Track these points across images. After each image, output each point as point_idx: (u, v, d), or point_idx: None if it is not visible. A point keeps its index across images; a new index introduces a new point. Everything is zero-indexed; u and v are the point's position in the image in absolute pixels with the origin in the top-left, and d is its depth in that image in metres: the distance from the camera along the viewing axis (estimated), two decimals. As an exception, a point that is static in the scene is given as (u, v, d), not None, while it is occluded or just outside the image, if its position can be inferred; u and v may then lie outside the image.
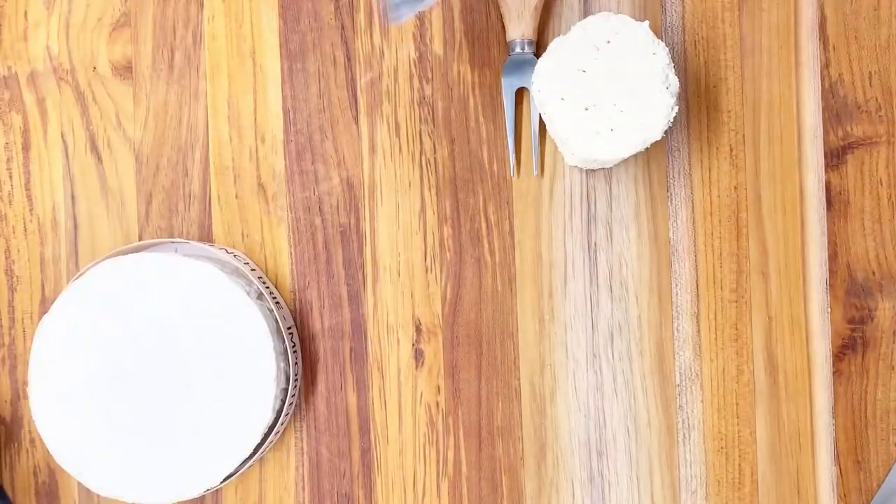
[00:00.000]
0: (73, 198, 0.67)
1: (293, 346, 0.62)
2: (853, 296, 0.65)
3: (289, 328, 0.63)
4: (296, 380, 0.63)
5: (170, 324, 0.59)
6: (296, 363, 0.62)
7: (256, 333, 0.59)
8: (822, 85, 0.65)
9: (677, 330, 0.65)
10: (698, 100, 0.65)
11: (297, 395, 0.64)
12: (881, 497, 0.65)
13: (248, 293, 0.60)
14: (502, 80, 0.64)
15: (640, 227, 0.65)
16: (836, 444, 0.65)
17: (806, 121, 0.65)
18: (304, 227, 0.66)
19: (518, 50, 0.64)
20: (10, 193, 0.67)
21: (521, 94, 0.65)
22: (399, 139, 0.66)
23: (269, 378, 0.59)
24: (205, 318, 0.59)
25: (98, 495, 0.66)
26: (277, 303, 0.62)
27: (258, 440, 0.59)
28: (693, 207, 0.65)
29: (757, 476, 0.65)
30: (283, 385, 0.60)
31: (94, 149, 0.67)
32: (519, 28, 0.63)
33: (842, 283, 0.65)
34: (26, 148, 0.67)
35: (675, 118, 0.61)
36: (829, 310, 0.65)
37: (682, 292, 0.65)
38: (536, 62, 0.63)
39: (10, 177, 0.67)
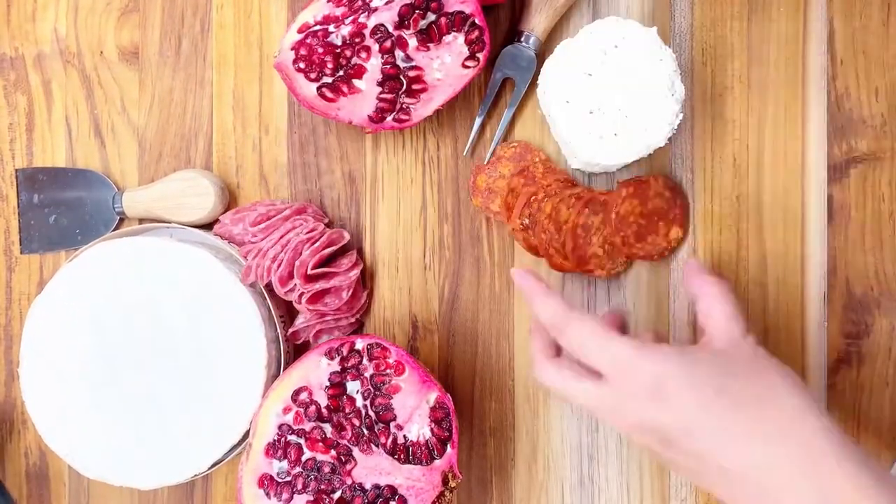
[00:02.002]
0: (74, 181, 0.67)
1: (285, 335, 0.62)
2: (851, 310, 0.65)
3: (281, 316, 0.63)
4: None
5: (162, 308, 0.59)
6: (287, 351, 0.62)
7: (248, 320, 0.59)
8: (829, 98, 0.65)
9: (674, 337, 0.65)
10: (703, 108, 0.65)
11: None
12: None
13: (241, 282, 0.60)
14: (496, 62, 0.64)
15: (641, 233, 0.65)
16: (827, 458, 0.65)
17: (811, 133, 0.65)
18: (305, 219, 0.66)
19: (523, 42, 0.63)
20: (12, 174, 0.67)
21: (505, 84, 0.65)
22: (402, 135, 0.66)
23: (259, 365, 0.59)
24: (197, 303, 0.59)
25: (87, 478, 0.66)
26: (270, 290, 0.62)
27: (247, 427, 0.59)
28: (694, 216, 0.65)
29: (747, 487, 0.65)
30: (273, 372, 0.60)
31: (98, 133, 0.67)
32: (532, 22, 0.63)
33: (840, 297, 0.65)
34: (30, 129, 0.67)
35: (679, 125, 0.61)
36: (826, 323, 0.65)
37: (679, 300, 0.65)
38: (532, 59, 0.63)
39: (13, 157, 0.67)
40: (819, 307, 0.65)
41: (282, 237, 0.61)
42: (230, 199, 0.66)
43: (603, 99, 0.58)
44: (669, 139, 0.60)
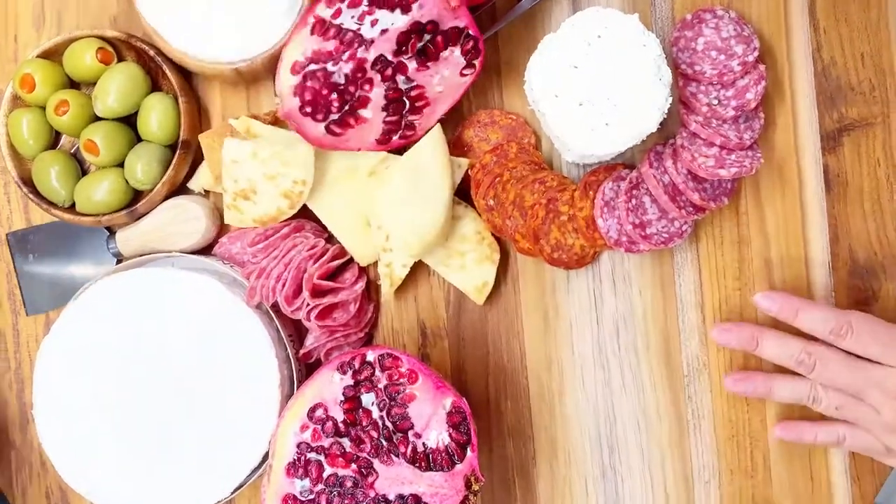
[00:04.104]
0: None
1: (295, 354, 0.62)
2: (856, 277, 0.65)
3: (290, 335, 0.62)
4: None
5: (169, 337, 0.59)
6: (299, 370, 0.62)
7: (258, 342, 0.59)
8: (815, 68, 0.65)
9: (682, 321, 0.65)
10: (691, 89, 0.65)
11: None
12: (894, 479, 0.65)
13: (247, 304, 0.60)
14: None
15: (640, 220, 0.65)
16: (847, 427, 0.65)
17: (800, 105, 0.65)
18: (304, 236, 0.66)
19: None
20: (9, 217, 0.67)
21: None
22: (394, 144, 0.66)
23: (272, 385, 0.59)
24: (206, 329, 0.59)
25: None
26: (277, 310, 0.62)
27: (266, 449, 0.59)
28: (692, 197, 0.65)
29: (770, 463, 0.65)
30: (287, 392, 0.60)
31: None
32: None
33: (844, 264, 0.65)
34: (23, 171, 0.67)
35: (669, 109, 0.61)
36: (834, 293, 0.65)
37: (685, 283, 0.65)
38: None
39: (9, 201, 0.67)
40: (825, 276, 0.65)
41: (284, 256, 0.61)
42: (223, 220, 0.65)
43: (591, 90, 0.58)
44: (661, 124, 0.59)
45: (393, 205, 0.61)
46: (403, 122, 0.60)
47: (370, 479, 0.56)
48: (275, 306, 0.62)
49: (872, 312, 0.64)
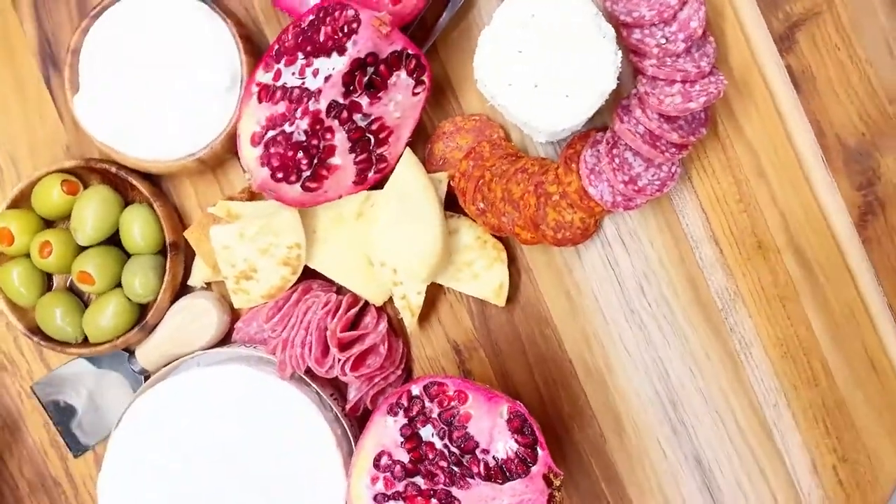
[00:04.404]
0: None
1: (342, 410, 0.62)
2: (853, 162, 0.65)
3: (332, 395, 0.62)
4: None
5: (219, 434, 0.59)
6: (351, 425, 0.62)
7: (303, 411, 0.59)
8: (748, -24, 0.65)
9: (700, 257, 0.65)
10: (637, 36, 0.65)
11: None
12: None
13: (281, 377, 0.60)
14: None
15: (629, 176, 0.65)
16: (892, 309, 0.64)
17: (745, 16, 0.64)
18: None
19: None
20: (28, 370, 0.67)
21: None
22: (371, 180, 0.66)
23: (331, 448, 0.59)
24: (250, 415, 0.59)
25: None
26: (312, 375, 0.62)
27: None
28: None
29: (829, 367, 0.65)
30: (346, 450, 0.60)
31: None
32: None
33: (837, 154, 0.65)
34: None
35: (621, 62, 0.61)
36: (836, 184, 0.65)
37: (690, 221, 0.65)
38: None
39: (23, 353, 0.67)
40: (822, 172, 0.65)
41: (302, 321, 0.61)
42: (233, 307, 0.65)
43: (541, 69, 0.58)
44: (618, 79, 0.60)
45: (389, 238, 0.61)
46: (374, 157, 0.60)
47: None
48: (308, 372, 0.62)
49: (880, 191, 0.64)
